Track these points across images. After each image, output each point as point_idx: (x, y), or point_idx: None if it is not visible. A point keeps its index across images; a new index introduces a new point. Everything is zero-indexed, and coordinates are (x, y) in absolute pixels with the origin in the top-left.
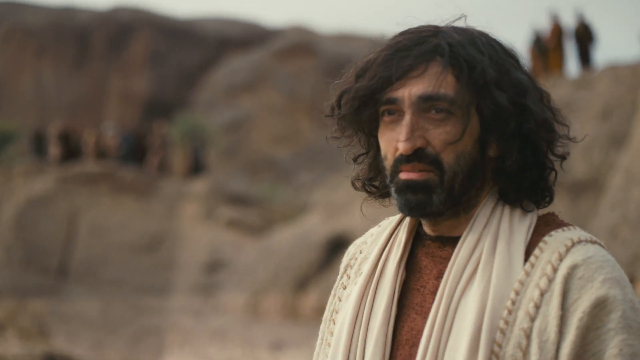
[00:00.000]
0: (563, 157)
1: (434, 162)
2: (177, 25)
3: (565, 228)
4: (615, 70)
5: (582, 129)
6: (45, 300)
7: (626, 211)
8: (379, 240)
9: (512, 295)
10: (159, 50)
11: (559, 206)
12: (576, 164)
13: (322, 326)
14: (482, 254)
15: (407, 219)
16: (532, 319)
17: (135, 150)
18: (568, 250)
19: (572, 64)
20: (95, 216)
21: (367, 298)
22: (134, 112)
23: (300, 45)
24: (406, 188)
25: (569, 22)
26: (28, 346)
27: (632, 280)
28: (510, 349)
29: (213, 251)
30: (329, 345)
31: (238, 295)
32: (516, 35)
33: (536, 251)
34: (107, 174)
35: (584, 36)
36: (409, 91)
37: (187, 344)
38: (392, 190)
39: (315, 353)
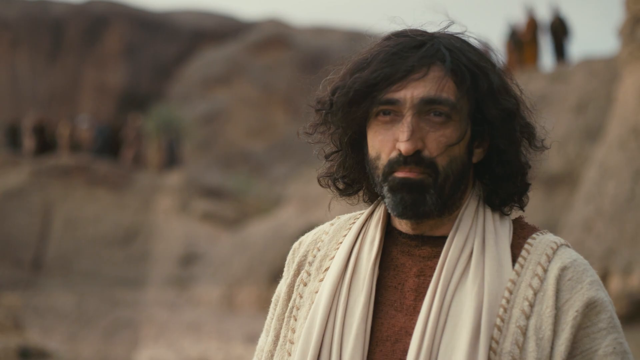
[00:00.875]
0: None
1: (430, 166)
2: (152, 18)
3: (541, 232)
4: (590, 64)
5: (557, 122)
6: (20, 293)
7: (600, 205)
8: (339, 238)
9: (506, 294)
10: (134, 43)
11: (533, 200)
12: (551, 158)
13: (273, 323)
14: (472, 254)
15: (378, 217)
16: (528, 317)
17: (110, 143)
18: (554, 252)
19: (547, 58)
20: (70, 209)
21: (340, 295)
22: (109, 105)
23: (275, 38)
24: (402, 187)
25: (544, 15)
26: (2, 339)
27: (606, 273)
28: (507, 345)
29: (188, 244)
30: (291, 342)
31: (213, 288)
32: (492, 29)
33: (523, 252)
34: (82, 166)
35: (559, 30)
36: (411, 93)
37: (161, 336)
38: (385, 189)
39: (264, 350)
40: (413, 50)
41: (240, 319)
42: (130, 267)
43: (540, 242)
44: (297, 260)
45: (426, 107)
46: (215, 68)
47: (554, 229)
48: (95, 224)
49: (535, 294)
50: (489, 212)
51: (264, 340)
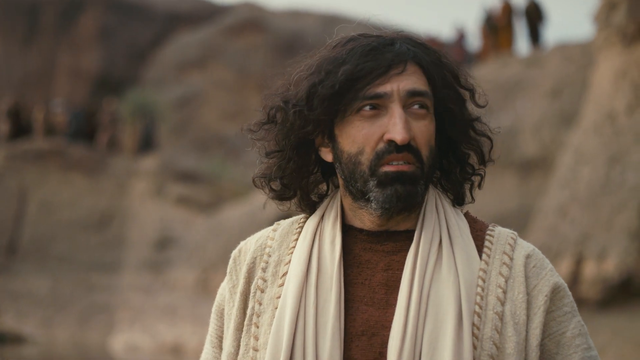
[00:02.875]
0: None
1: (417, 156)
2: (127, 1)
3: (493, 224)
4: (565, 49)
5: (532, 107)
6: None
7: (575, 190)
8: (289, 242)
9: (480, 282)
10: (109, 27)
11: (508, 185)
12: (526, 143)
13: (230, 333)
14: (441, 246)
15: (334, 217)
16: (503, 303)
17: (85, 127)
18: (515, 242)
19: (522, 43)
20: (45, 193)
21: (307, 296)
22: (84, 89)
23: (250, 21)
24: (396, 180)
25: (519, 0)
26: None
27: (580, 258)
28: (487, 330)
29: (163, 228)
30: (255, 349)
31: (188, 272)
32: (467, 13)
33: (487, 243)
34: (57, 151)
35: (534, 15)
36: (397, 86)
37: (137, 320)
38: (371, 184)
39: None
40: (389, 47)
41: None
42: (105, 251)
43: (500, 234)
44: (244, 267)
45: (410, 100)
46: (190, 52)
47: (528, 214)
48: (70, 208)
49: (506, 281)
50: (447, 206)
51: (211, 353)
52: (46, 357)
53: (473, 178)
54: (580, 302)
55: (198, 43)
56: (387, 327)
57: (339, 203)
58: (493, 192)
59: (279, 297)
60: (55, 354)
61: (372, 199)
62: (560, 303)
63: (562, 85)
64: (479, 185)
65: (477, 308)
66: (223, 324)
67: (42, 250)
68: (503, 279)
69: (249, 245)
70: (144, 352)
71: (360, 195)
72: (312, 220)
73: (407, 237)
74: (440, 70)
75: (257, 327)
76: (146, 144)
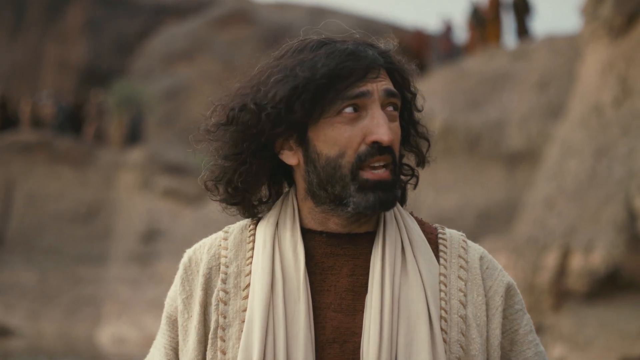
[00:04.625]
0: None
1: (394, 157)
2: None
3: (439, 225)
4: (552, 41)
5: (519, 100)
6: None
7: (562, 183)
8: (245, 253)
9: (442, 287)
10: (96, 18)
11: (495, 177)
12: (513, 135)
13: (191, 345)
14: (403, 249)
15: (291, 223)
16: (465, 307)
17: (72, 119)
18: (467, 244)
19: (509, 36)
20: (32, 185)
21: (276, 307)
22: (71, 81)
23: (237, 13)
24: (377, 187)
25: None
26: None
27: (567, 251)
28: (454, 334)
29: (150, 220)
30: None
31: (175, 264)
32: (454, 7)
33: (441, 247)
34: (43, 143)
35: (522, 8)
36: (377, 86)
37: (123, 313)
38: (352, 188)
39: None
40: (364, 52)
41: None
42: (92, 243)
43: (452, 237)
44: (200, 278)
45: (387, 100)
46: (177, 44)
47: (515, 207)
48: (57, 200)
49: (465, 285)
50: (401, 208)
51: None
52: (33, 350)
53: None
54: (567, 294)
55: (185, 35)
56: (358, 334)
57: (293, 207)
58: (480, 185)
59: (244, 310)
60: (42, 346)
61: (350, 203)
62: (512, 301)
63: (549, 78)
64: (415, 186)
65: (442, 313)
66: (177, 335)
67: (29, 243)
68: (463, 283)
69: (199, 255)
70: (131, 344)
71: (333, 199)
72: (267, 227)
73: (367, 239)
74: (403, 76)
75: (224, 340)
76: (133, 136)
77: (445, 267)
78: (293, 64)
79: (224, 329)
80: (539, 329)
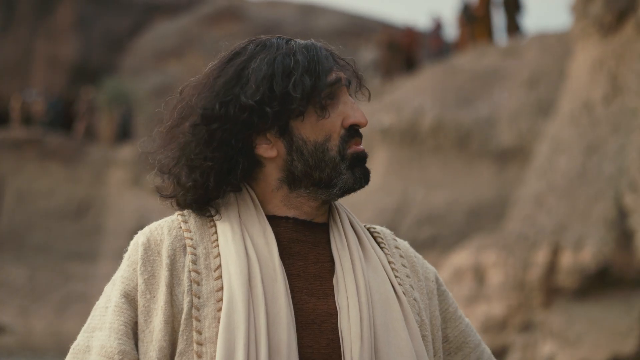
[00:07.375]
0: None
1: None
2: None
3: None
4: (543, 38)
5: (509, 97)
6: None
7: (552, 180)
8: (209, 236)
9: (395, 272)
10: (86, 15)
11: (485, 174)
12: (503, 132)
13: (161, 327)
14: (359, 236)
15: (253, 207)
16: (414, 290)
17: (62, 116)
18: (394, 236)
19: (500, 33)
20: (22, 182)
21: (256, 288)
22: (61, 78)
23: (228, 10)
24: (362, 160)
25: None
26: None
27: (557, 248)
28: (415, 315)
29: (140, 217)
30: (199, 344)
31: None
32: (444, 4)
33: (379, 238)
34: (34, 140)
35: (512, 5)
36: (342, 75)
37: None
38: (343, 167)
39: (149, 356)
40: (331, 55)
41: None
42: (82, 240)
43: (382, 230)
44: (165, 259)
45: (348, 89)
46: (167, 41)
47: (505, 204)
48: (48, 197)
49: (409, 271)
50: (340, 203)
51: (115, 342)
52: (23, 347)
53: None
54: (557, 291)
55: (175, 32)
56: (333, 315)
57: (249, 195)
58: (470, 181)
59: (218, 289)
60: (32, 343)
61: (339, 182)
62: (439, 283)
63: (539, 75)
64: None
65: (402, 295)
66: (136, 314)
67: (19, 240)
68: (407, 269)
69: (157, 236)
70: None
71: (317, 182)
72: (231, 211)
73: (322, 229)
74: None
75: (199, 320)
76: (123, 133)
77: (390, 256)
78: (285, 64)
79: (198, 309)
80: (529, 326)
